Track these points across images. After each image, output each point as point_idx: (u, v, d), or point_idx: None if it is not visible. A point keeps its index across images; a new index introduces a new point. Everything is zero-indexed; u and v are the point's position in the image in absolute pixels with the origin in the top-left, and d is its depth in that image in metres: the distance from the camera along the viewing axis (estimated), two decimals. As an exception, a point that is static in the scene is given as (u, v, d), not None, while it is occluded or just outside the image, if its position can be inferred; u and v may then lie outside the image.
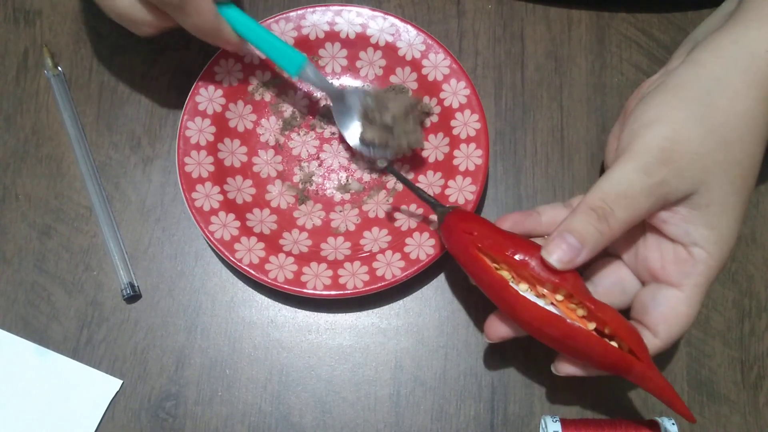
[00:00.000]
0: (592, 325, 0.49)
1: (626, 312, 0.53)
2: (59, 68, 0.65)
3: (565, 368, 0.53)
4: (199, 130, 0.61)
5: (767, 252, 0.61)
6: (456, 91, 0.62)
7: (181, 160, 0.60)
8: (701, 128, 0.49)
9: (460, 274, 0.60)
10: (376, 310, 0.60)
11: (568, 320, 0.49)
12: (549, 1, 0.67)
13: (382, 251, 0.58)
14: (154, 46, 0.66)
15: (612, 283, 0.54)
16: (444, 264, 0.60)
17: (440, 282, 0.60)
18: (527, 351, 0.58)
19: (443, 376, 0.58)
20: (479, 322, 0.59)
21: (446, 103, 0.62)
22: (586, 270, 0.55)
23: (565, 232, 0.49)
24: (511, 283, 0.50)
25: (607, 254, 0.55)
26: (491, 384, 0.58)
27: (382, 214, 0.61)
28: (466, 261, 0.52)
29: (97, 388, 0.57)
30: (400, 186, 0.62)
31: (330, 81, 0.61)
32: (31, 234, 0.61)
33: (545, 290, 0.50)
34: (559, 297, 0.50)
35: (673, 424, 0.53)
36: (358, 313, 0.60)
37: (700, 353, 0.58)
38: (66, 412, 0.57)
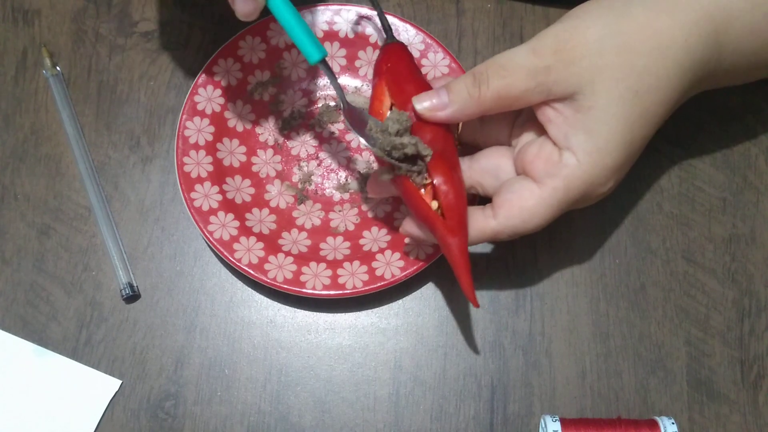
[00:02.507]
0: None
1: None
2: (58, 68, 0.65)
3: (406, 227, 0.54)
4: (198, 130, 0.61)
5: (767, 251, 0.61)
6: (455, 91, 0.61)
7: (179, 159, 0.59)
8: (605, 28, 0.49)
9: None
10: (375, 310, 0.60)
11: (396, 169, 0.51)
12: (548, 0, 0.67)
13: (382, 251, 0.58)
14: (153, 45, 0.66)
15: (489, 166, 0.54)
16: (444, 264, 0.60)
17: (440, 282, 0.60)
18: (527, 351, 0.58)
19: (443, 376, 0.58)
20: (479, 322, 0.59)
21: (445, 102, 0.62)
22: (474, 152, 0.56)
23: (441, 88, 0.51)
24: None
25: (499, 144, 0.56)
26: (491, 383, 0.58)
27: (381, 214, 0.61)
28: (372, 87, 0.56)
29: (96, 388, 0.57)
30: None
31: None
32: (30, 234, 0.61)
33: None
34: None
35: (673, 423, 0.53)
36: (358, 312, 0.60)
37: (700, 353, 0.58)
38: (65, 412, 0.57)
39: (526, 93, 0.49)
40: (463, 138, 0.57)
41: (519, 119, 0.55)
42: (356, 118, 0.54)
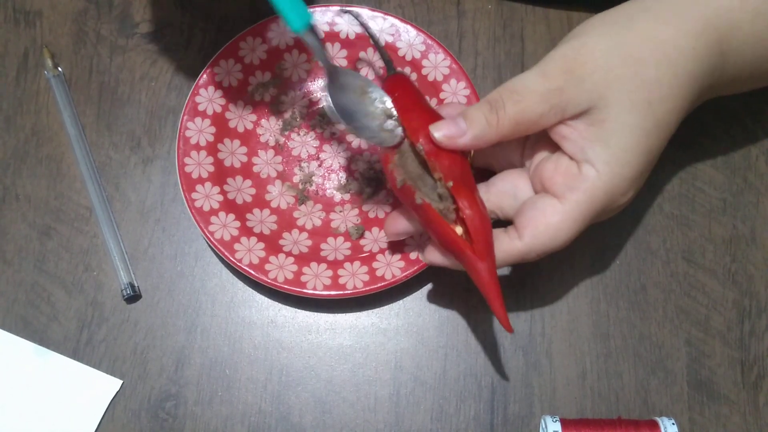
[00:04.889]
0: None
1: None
2: (59, 69, 0.65)
3: (429, 255, 0.54)
4: (199, 131, 0.61)
5: (767, 252, 0.61)
6: (456, 92, 0.62)
7: (180, 160, 0.60)
8: (610, 43, 0.49)
9: (462, 274, 0.60)
10: (376, 310, 0.60)
11: (418, 195, 0.51)
12: (549, 1, 0.67)
13: (382, 251, 0.58)
14: (154, 46, 0.66)
15: (506, 187, 0.54)
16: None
17: (441, 282, 0.60)
18: (527, 351, 0.58)
19: (443, 376, 0.58)
20: (479, 323, 0.59)
21: (447, 103, 0.62)
22: (488, 176, 0.56)
23: (459, 115, 0.51)
24: (396, 155, 0.53)
25: (513, 166, 0.56)
26: (491, 384, 0.58)
27: (382, 215, 0.61)
28: None
29: (97, 389, 0.57)
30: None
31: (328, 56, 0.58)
32: (32, 234, 0.61)
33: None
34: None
35: (673, 424, 0.53)
36: (358, 313, 0.60)
37: (700, 353, 0.58)
38: (66, 412, 0.57)
39: (542, 117, 0.49)
40: (475, 163, 0.57)
41: (530, 140, 0.55)
42: (338, 89, 0.54)
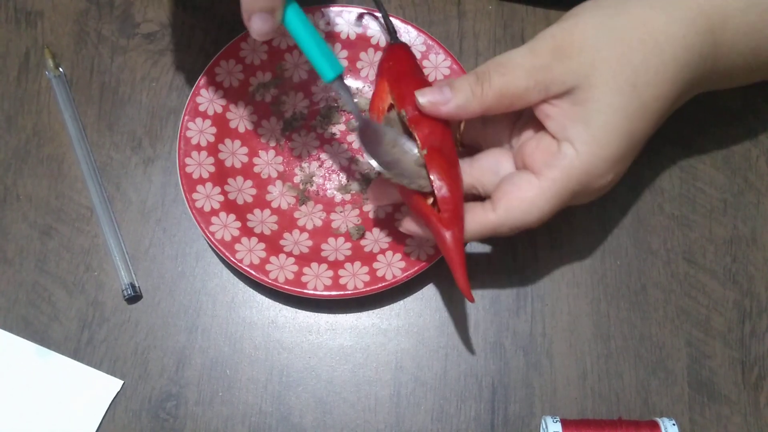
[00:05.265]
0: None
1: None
2: (60, 69, 0.65)
3: (405, 224, 0.55)
4: (200, 131, 0.61)
5: (767, 252, 0.61)
6: (456, 92, 0.62)
7: (181, 160, 0.60)
8: (600, 24, 0.49)
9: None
10: (376, 311, 0.60)
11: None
12: (549, 2, 0.67)
13: (383, 252, 0.58)
14: (155, 47, 0.66)
15: (489, 163, 0.55)
16: (444, 264, 0.60)
17: (441, 282, 0.60)
18: (527, 351, 0.58)
19: (444, 377, 0.58)
20: (480, 323, 0.59)
21: (447, 104, 0.62)
22: (474, 152, 0.56)
23: (444, 84, 0.51)
24: (381, 122, 0.54)
25: (501, 145, 0.56)
26: (492, 384, 0.58)
27: (382, 215, 0.61)
28: (374, 85, 0.56)
29: (97, 389, 0.57)
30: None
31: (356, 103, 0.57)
32: (32, 234, 0.61)
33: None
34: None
35: (674, 424, 0.53)
36: (359, 313, 0.60)
37: (701, 354, 0.58)
38: (67, 413, 0.57)
39: (526, 91, 0.50)
40: (465, 140, 0.57)
41: (519, 121, 0.55)
42: (371, 138, 0.53)
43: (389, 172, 0.51)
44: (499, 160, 0.55)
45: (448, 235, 0.51)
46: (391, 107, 0.54)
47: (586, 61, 0.49)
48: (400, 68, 0.55)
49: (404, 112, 0.52)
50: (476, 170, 0.55)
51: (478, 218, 0.52)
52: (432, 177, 0.51)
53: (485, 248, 0.61)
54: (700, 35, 0.50)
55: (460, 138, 0.57)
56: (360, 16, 0.64)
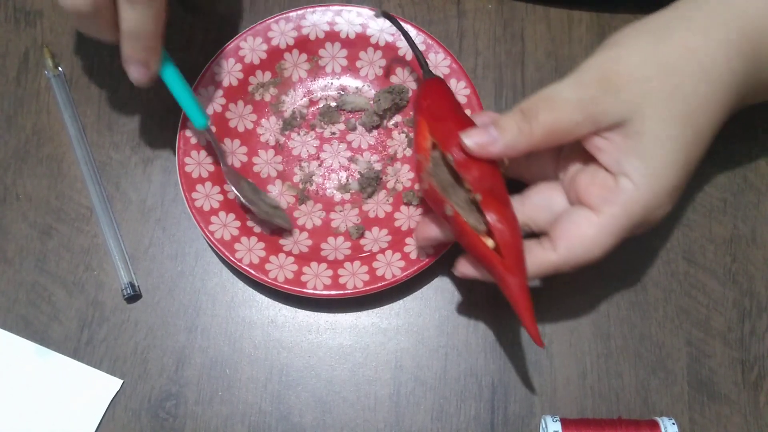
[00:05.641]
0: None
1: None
2: (60, 68, 0.65)
3: (460, 267, 0.53)
4: (200, 131, 0.61)
5: (767, 252, 0.61)
6: (456, 91, 0.62)
7: (181, 160, 0.60)
8: (646, 54, 0.48)
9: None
10: (376, 310, 0.60)
11: (447, 206, 0.50)
12: (549, 1, 0.67)
13: (382, 251, 0.58)
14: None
15: (541, 200, 0.54)
16: (445, 264, 0.60)
17: (440, 282, 0.60)
18: (527, 351, 0.58)
19: (443, 376, 0.58)
20: (480, 322, 0.59)
21: (447, 103, 0.62)
22: (524, 189, 0.55)
23: (490, 124, 0.50)
24: (429, 163, 0.52)
25: (546, 178, 0.55)
26: (491, 384, 0.58)
27: (382, 214, 0.61)
28: (414, 124, 0.55)
29: (97, 388, 0.57)
30: (399, 186, 0.62)
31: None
32: (32, 234, 0.61)
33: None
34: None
35: (674, 424, 0.53)
36: (358, 312, 0.60)
37: (701, 353, 0.58)
38: (66, 412, 0.57)
39: (576, 126, 0.49)
40: (508, 174, 0.55)
41: (563, 152, 0.54)
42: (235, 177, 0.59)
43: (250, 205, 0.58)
44: (551, 196, 0.53)
45: (514, 281, 0.49)
46: (434, 145, 0.52)
47: (636, 93, 0.48)
48: (438, 106, 0.53)
49: (450, 156, 0.50)
50: (528, 208, 0.53)
51: (539, 259, 0.50)
52: (491, 221, 0.49)
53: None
54: (742, 56, 0.50)
55: (504, 173, 0.55)
56: (359, 15, 0.64)
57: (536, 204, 0.54)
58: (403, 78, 0.64)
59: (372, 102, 0.64)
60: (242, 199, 0.58)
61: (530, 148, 0.49)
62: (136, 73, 0.55)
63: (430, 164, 0.51)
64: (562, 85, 0.49)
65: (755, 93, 0.53)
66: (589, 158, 0.52)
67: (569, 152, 0.54)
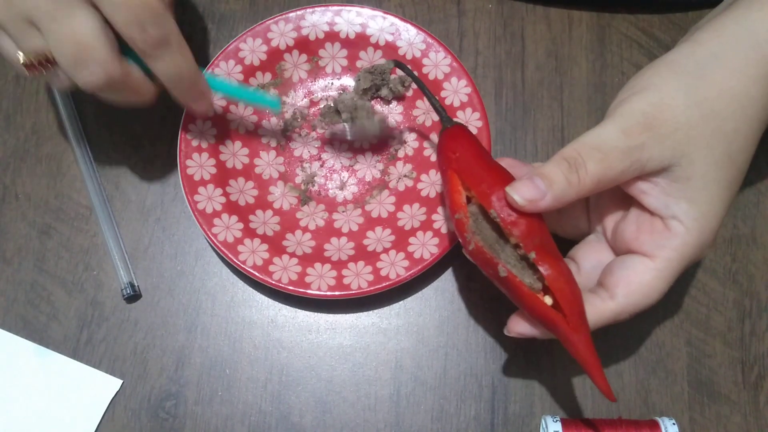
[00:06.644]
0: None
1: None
2: (59, 67, 0.65)
3: (515, 326, 0.52)
4: (201, 133, 0.61)
5: (767, 252, 0.61)
6: (457, 90, 0.62)
7: (182, 162, 0.59)
8: (688, 99, 0.48)
9: (461, 274, 0.60)
10: (376, 310, 0.60)
11: (500, 268, 0.48)
12: (549, 1, 0.67)
13: (386, 251, 0.58)
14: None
15: (593, 265, 0.53)
16: (445, 264, 0.60)
17: (441, 282, 0.60)
18: (527, 351, 0.58)
19: (443, 376, 0.58)
20: (480, 322, 0.59)
21: (447, 102, 0.62)
22: (571, 251, 0.55)
23: (535, 176, 0.49)
24: (469, 220, 0.50)
25: (578, 229, 0.55)
26: (492, 384, 0.58)
27: (385, 214, 0.61)
28: (443, 178, 0.52)
29: (97, 388, 0.57)
30: (402, 185, 0.62)
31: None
32: (31, 233, 0.61)
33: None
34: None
35: (674, 424, 0.53)
36: (359, 313, 0.60)
37: (701, 353, 0.59)
38: (66, 412, 0.57)
39: (622, 174, 0.48)
40: None
41: (591, 201, 0.54)
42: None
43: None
44: (601, 259, 0.53)
45: (579, 339, 0.48)
46: (469, 199, 0.51)
47: (682, 139, 0.48)
48: (469, 159, 0.51)
49: (494, 212, 0.48)
50: (584, 276, 0.53)
51: (598, 310, 0.50)
52: (548, 279, 0.48)
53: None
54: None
55: None
56: (359, 15, 0.64)
57: (589, 270, 0.53)
58: (404, 77, 0.64)
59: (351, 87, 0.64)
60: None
61: (577, 198, 0.49)
62: (200, 108, 0.58)
63: (471, 221, 0.50)
64: (608, 133, 0.49)
65: None
66: (623, 206, 0.52)
67: (597, 200, 0.54)
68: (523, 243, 0.48)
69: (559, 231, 0.56)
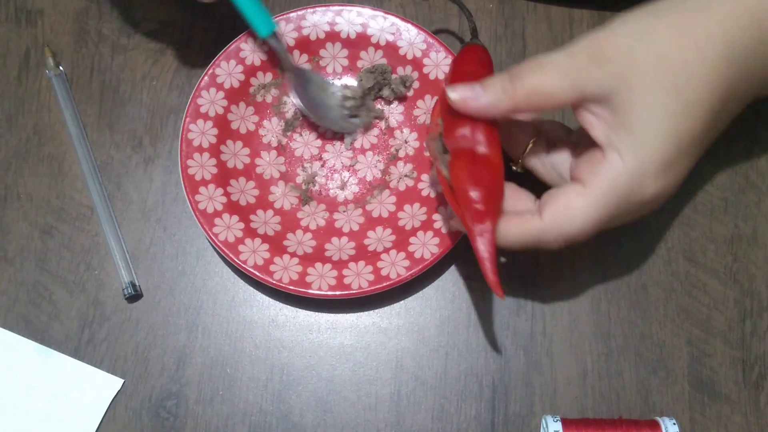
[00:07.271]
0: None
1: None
2: (61, 68, 0.65)
3: (452, 221, 0.56)
4: (202, 133, 0.61)
5: (768, 251, 0.61)
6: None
7: (183, 162, 0.60)
8: (638, 29, 0.49)
9: (462, 274, 0.60)
10: (377, 310, 0.60)
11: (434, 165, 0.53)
12: (550, 0, 0.67)
13: (387, 251, 0.58)
14: (155, 45, 0.66)
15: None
16: (446, 264, 0.60)
17: (441, 281, 0.60)
18: (528, 351, 0.58)
19: (444, 376, 0.58)
20: (480, 322, 0.59)
21: (448, 102, 0.62)
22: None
23: (476, 82, 0.51)
24: (436, 130, 0.54)
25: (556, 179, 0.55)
26: (492, 383, 0.58)
27: (385, 214, 0.61)
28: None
29: (98, 388, 0.57)
30: (402, 185, 0.62)
31: (290, 57, 0.64)
32: (33, 233, 0.61)
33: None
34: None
35: (674, 423, 0.53)
36: (359, 312, 0.60)
37: (701, 353, 0.58)
38: (67, 411, 0.57)
39: (559, 91, 0.49)
40: (527, 164, 0.56)
41: (578, 149, 0.55)
42: (302, 84, 0.61)
43: (313, 115, 0.62)
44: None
45: (477, 229, 0.50)
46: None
47: (623, 65, 0.48)
48: (463, 69, 0.55)
49: (440, 119, 0.52)
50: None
51: (523, 225, 0.51)
52: (450, 167, 0.51)
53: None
54: (744, 30, 0.49)
55: (522, 162, 0.56)
56: (359, 15, 0.64)
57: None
58: (405, 77, 0.64)
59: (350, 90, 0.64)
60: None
61: (512, 108, 0.50)
62: None
63: (438, 132, 0.53)
64: (554, 54, 0.50)
65: (765, 76, 0.52)
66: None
67: (583, 148, 0.54)
68: (448, 143, 0.51)
69: (542, 172, 0.56)
